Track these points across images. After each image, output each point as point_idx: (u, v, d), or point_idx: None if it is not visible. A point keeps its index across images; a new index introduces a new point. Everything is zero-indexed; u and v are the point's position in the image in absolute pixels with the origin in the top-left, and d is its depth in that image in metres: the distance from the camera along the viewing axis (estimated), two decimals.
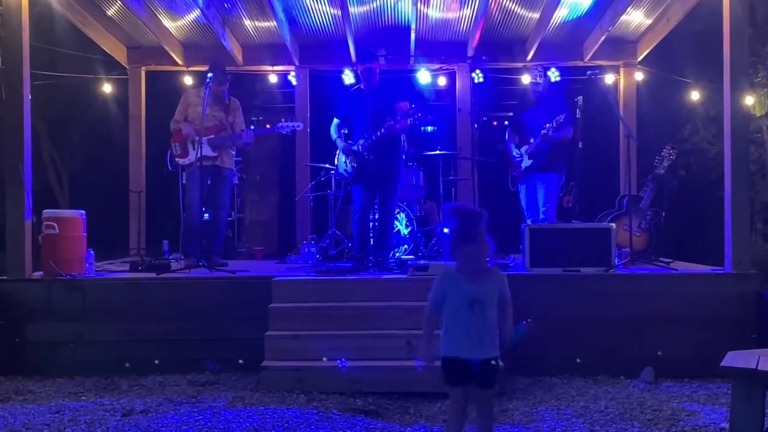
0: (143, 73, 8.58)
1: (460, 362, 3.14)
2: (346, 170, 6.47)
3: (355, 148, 6.32)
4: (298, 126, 6.95)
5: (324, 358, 4.96)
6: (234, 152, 6.97)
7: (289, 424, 4.15)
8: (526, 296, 4.96)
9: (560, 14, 7.35)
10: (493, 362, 3.15)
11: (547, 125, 6.66)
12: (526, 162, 6.94)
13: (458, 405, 3.24)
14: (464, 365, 3.13)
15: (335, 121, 6.58)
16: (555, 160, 6.89)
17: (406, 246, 7.56)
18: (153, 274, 5.96)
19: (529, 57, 8.18)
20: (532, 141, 6.89)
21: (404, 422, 4.24)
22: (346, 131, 6.63)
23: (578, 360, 5.38)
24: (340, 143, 6.49)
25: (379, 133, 6.12)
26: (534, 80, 7.05)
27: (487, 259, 3.24)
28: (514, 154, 7.09)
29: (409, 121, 6.19)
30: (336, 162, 6.77)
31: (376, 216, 6.49)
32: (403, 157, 7.57)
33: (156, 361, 5.43)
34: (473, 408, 3.28)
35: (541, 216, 6.85)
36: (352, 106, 6.46)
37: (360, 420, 4.25)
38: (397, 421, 4.27)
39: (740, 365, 3.33)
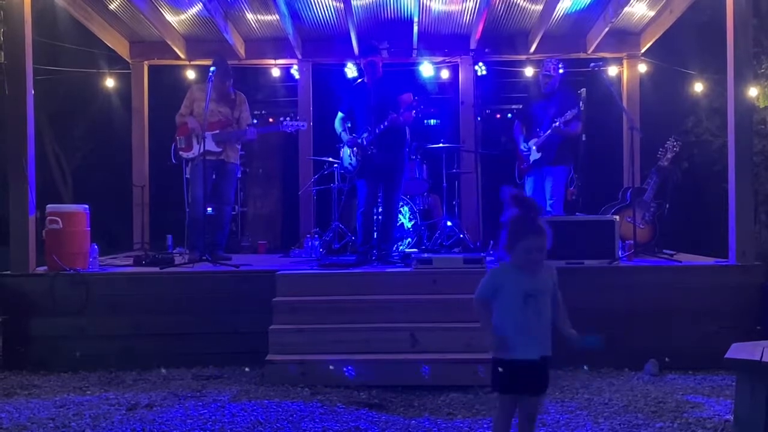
0: (146, 68, 8.57)
1: (516, 365, 2.94)
2: (351, 164, 6.45)
3: (359, 140, 6.31)
4: (302, 126, 6.97)
5: (328, 352, 4.96)
6: (239, 146, 6.97)
7: (294, 418, 4.15)
8: None
9: (563, 6, 7.31)
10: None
11: (558, 120, 6.65)
12: (535, 155, 6.92)
13: (508, 415, 3.03)
14: (521, 368, 2.94)
15: (339, 115, 6.55)
16: (563, 153, 6.89)
17: (409, 239, 7.55)
18: (157, 269, 5.96)
19: (532, 49, 8.16)
20: (541, 134, 6.88)
21: (408, 415, 4.24)
22: (350, 125, 6.62)
23: (582, 352, 5.36)
24: (345, 136, 6.47)
25: (382, 126, 6.11)
26: (547, 72, 6.98)
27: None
28: (522, 147, 7.07)
29: (413, 113, 6.15)
30: (341, 155, 6.76)
31: (380, 209, 6.49)
32: (407, 150, 7.57)
33: (160, 356, 5.43)
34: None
35: (548, 208, 6.84)
36: (355, 100, 6.44)
37: (364, 413, 4.26)
38: (401, 414, 4.28)
39: (744, 357, 3.34)
